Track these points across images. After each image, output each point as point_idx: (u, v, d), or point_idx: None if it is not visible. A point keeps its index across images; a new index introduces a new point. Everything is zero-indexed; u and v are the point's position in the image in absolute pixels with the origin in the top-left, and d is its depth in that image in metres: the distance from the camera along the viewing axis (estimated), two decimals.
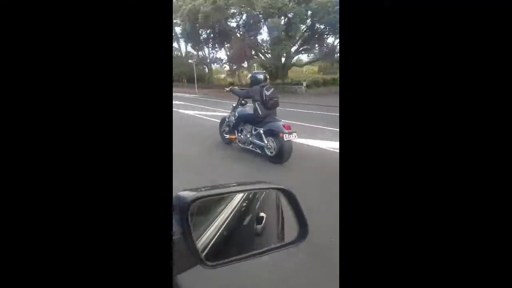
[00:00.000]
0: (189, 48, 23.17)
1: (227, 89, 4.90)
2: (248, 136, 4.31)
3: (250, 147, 4.31)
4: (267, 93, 4.02)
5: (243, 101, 4.61)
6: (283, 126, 3.81)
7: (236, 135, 4.55)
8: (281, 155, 3.79)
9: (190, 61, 21.01)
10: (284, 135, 3.70)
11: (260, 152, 4.10)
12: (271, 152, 3.91)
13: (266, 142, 3.96)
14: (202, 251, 0.58)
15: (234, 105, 4.73)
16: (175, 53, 23.38)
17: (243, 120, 4.43)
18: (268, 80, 4.86)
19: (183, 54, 24.35)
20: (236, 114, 4.59)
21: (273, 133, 3.87)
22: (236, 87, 4.92)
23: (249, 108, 4.49)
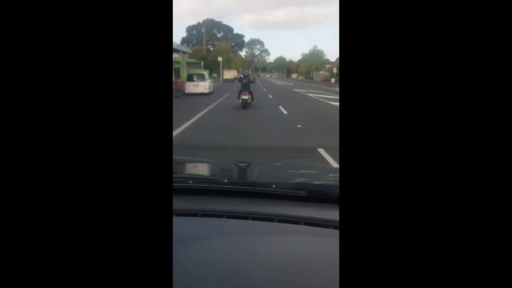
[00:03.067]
0: None
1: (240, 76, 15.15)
2: (238, 96, 11.99)
3: (239, 101, 11.85)
4: (244, 81, 11.89)
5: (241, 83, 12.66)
6: (243, 93, 11.45)
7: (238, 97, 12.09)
8: (244, 104, 11.44)
9: None
10: (242, 96, 11.46)
11: (240, 102, 11.75)
12: (241, 102, 11.55)
13: (240, 99, 11.57)
14: None
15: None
16: None
17: (239, 91, 11.95)
18: (248, 74, 13.37)
19: None
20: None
21: (240, 96, 11.60)
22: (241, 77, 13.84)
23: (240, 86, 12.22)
